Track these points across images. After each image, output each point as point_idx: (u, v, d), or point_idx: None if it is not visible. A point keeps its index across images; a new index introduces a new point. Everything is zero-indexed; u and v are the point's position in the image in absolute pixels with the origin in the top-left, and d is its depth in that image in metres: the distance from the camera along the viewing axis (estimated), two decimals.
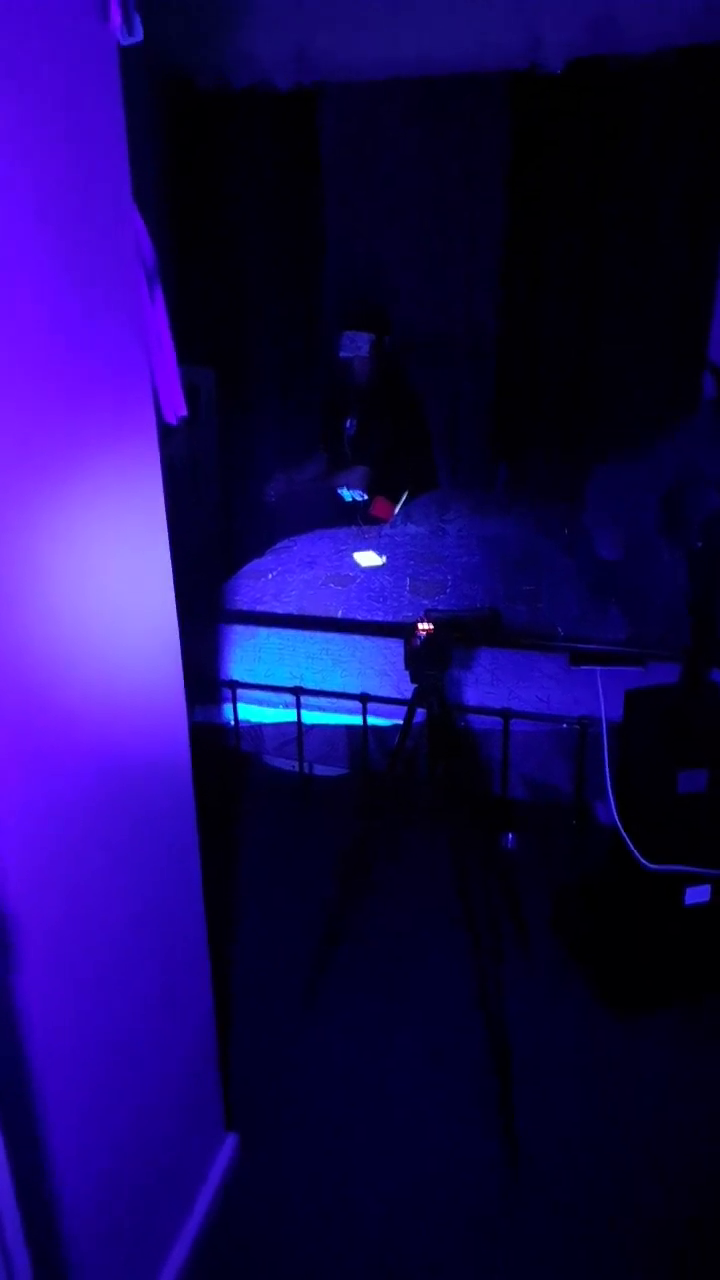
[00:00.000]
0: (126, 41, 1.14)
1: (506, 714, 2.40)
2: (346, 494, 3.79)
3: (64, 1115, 1.22)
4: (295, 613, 2.83)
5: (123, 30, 1.12)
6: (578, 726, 2.36)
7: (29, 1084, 1.15)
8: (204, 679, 2.62)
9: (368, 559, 3.13)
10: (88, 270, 1.13)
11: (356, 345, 3.82)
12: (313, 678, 2.58)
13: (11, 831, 1.07)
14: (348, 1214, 1.80)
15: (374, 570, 3.05)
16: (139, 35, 1.13)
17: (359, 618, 2.77)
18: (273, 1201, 1.83)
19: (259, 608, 2.90)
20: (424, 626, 1.94)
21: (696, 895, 2.13)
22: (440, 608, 2.73)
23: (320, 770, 2.76)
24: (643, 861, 2.04)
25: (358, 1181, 1.86)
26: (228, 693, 2.63)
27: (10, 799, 1.06)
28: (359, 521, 3.67)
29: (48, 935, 1.16)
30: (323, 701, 2.56)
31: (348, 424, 3.96)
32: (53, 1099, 1.19)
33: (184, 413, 1.41)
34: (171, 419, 1.41)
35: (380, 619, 2.75)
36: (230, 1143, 1.87)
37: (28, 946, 1.11)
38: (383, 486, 3.80)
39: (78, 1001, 1.25)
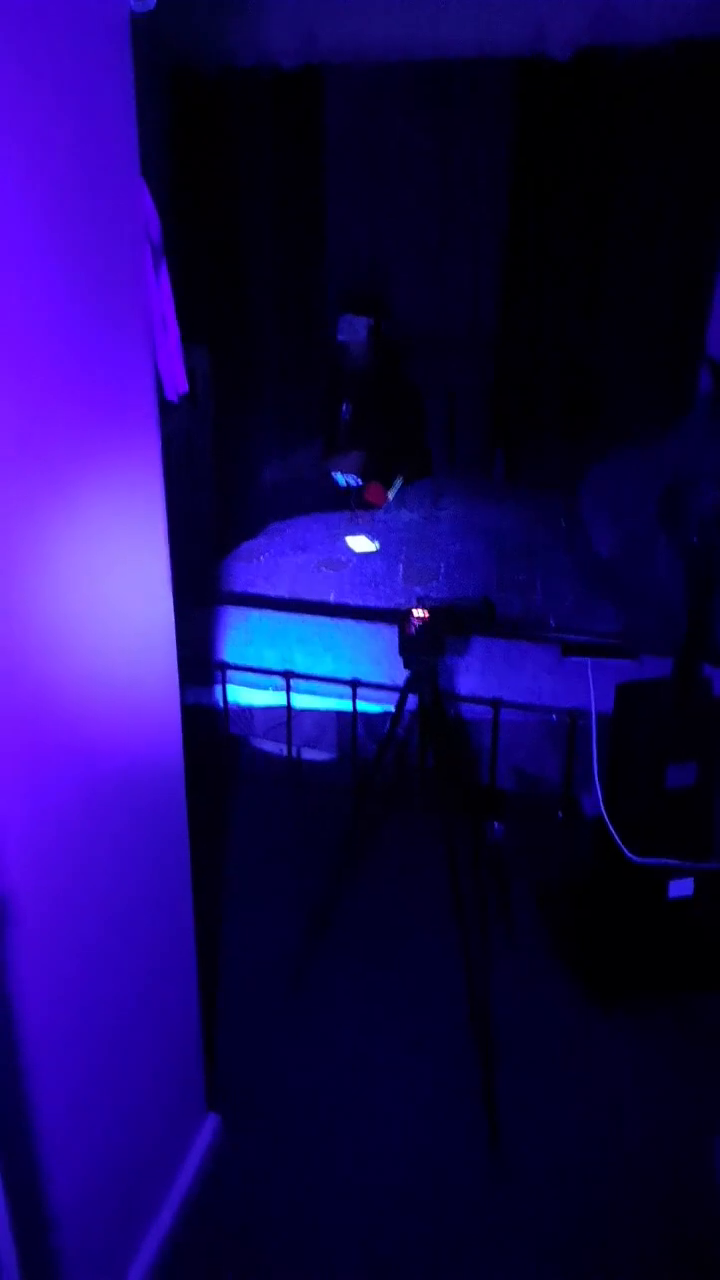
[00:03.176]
0: (139, 9, 1.12)
1: (497, 703, 2.40)
2: (340, 478, 3.78)
3: (50, 1093, 1.22)
4: (287, 596, 2.82)
5: None
6: (568, 718, 2.36)
7: (18, 1062, 1.14)
8: (194, 660, 2.61)
9: (361, 544, 3.12)
10: (93, 244, 1.11)
11: (354, 329, 3.79)
12: (303, 661, 2.57)
13: (5, 816, 1.06)
14: (330, 1195, 1.81)
15: (367, 555, 3.04)
16: (151, 2, 1.11)
17: (351, 602, 2.76)
18: (253, 1181, 1.83)
19: (251, 590, 2.89)
20: (419, 613, 1.93)
21: (680, 889, 2.14)
22: (433, 595, 2.73)
23: (309, 755, 2.75)
24: (628, 854, 2.05)
25: (340, 1163, 1.87)
26: (218, 674, 2.62)
27: (3, 783, 1.05)
28: (352, 506, 3.65)
29: (38, 918, 1.15)
30: (313, 685, 2.55)
31: (343, 408, 3.94)
32: (40, 1077, 1.19)
33: (185, 389, 1.40)
34: (172, 396, 1.39)
35: (373, 604, 2.74)
36: (211, 1122, 1.87)
37: (18, 930, 1.10)
38: (377, 472, 3.78)
39: (64, 983, 1.25)
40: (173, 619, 1.45)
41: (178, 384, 1.37)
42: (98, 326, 1.14)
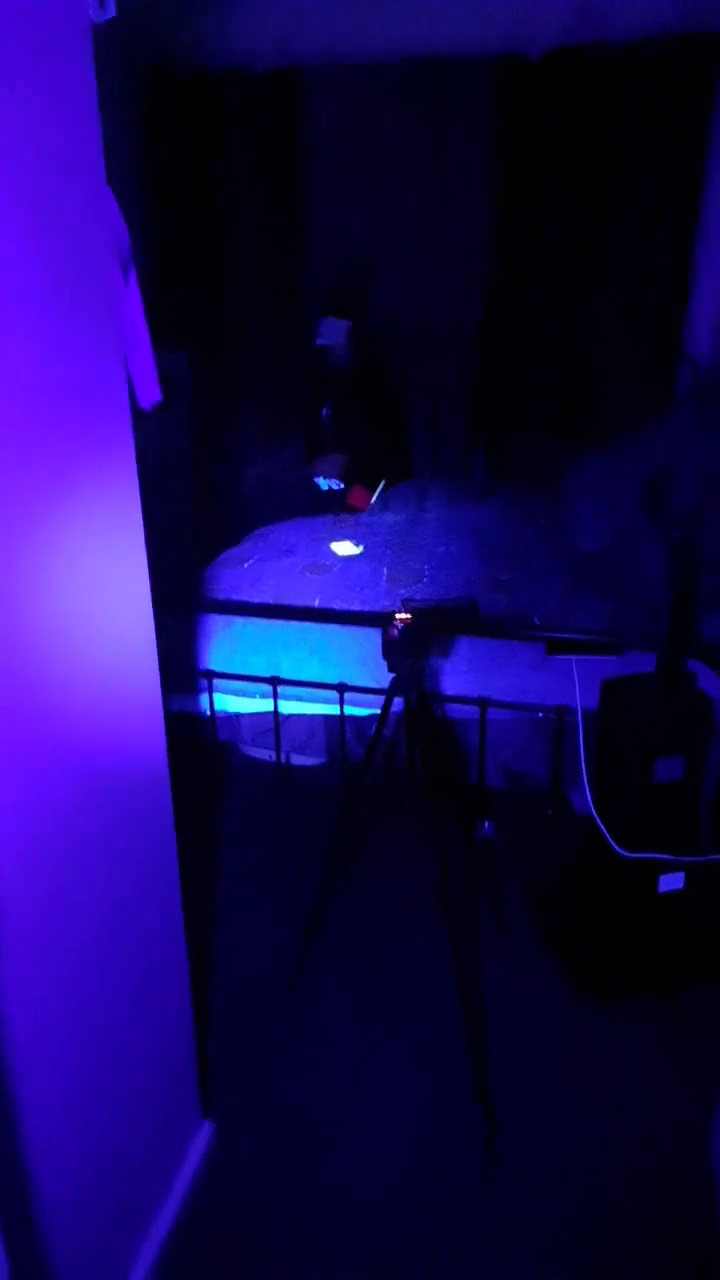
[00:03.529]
0: (99, 19, 1.11)
1: (483, 703, 2.40)
2: (323, 482, 3.77)
3: (41, 1102, 1.22)
4: (272, 601, 2.81)
5: (95, 6, 1.10)
6: (554, 715, 2.37)
7: (7, 1071, 1.14)
8: (180, 668, 2.60)
9: (345, 548, 3.13)
10: (59, 255, 1.10)
11: (334, 332, 3.79)
12: (290, 667, 2.57)
13: None
14: (327, 1200, 1.81)
15: (351, 559, 3.04)
16: (112, 11, 1.11)
17: (336, 607, 2.76)
18: (249, 1187, 1.83)
19: (236, 596, 2.89)
20: (402, 616, 1.93)
21: (670, 883, 2.14)
22: (418, 597, 2.73)
23: (297, 760, 2.75)
24: (618, 849, 2.05)
25: (337, 1168, 1.87)
26: (204, 682, 2.62)
27: None
28: (335, 510, 3.65)
29: (25, 927, 1.14)
30: (300, 691, 2.55)
31: (324, 411, 3.94)
32: (30, 1084, 1.18)
33: (158, 398, 1.40)
34: (145, 405, 1.39)
35: (358, 608, 2.74)
36: (206, 1130, 1.87)
37: (5, 936, 1.10)
38: (359, 475, 3.78)
39: (55, 991, 1.24)
40: (153, 626, 1.44)
41: (151, 392, 1.37)
42: (67, 337, 1.14)
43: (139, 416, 1.37)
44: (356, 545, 3.14)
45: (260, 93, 3.90)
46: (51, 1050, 1.24)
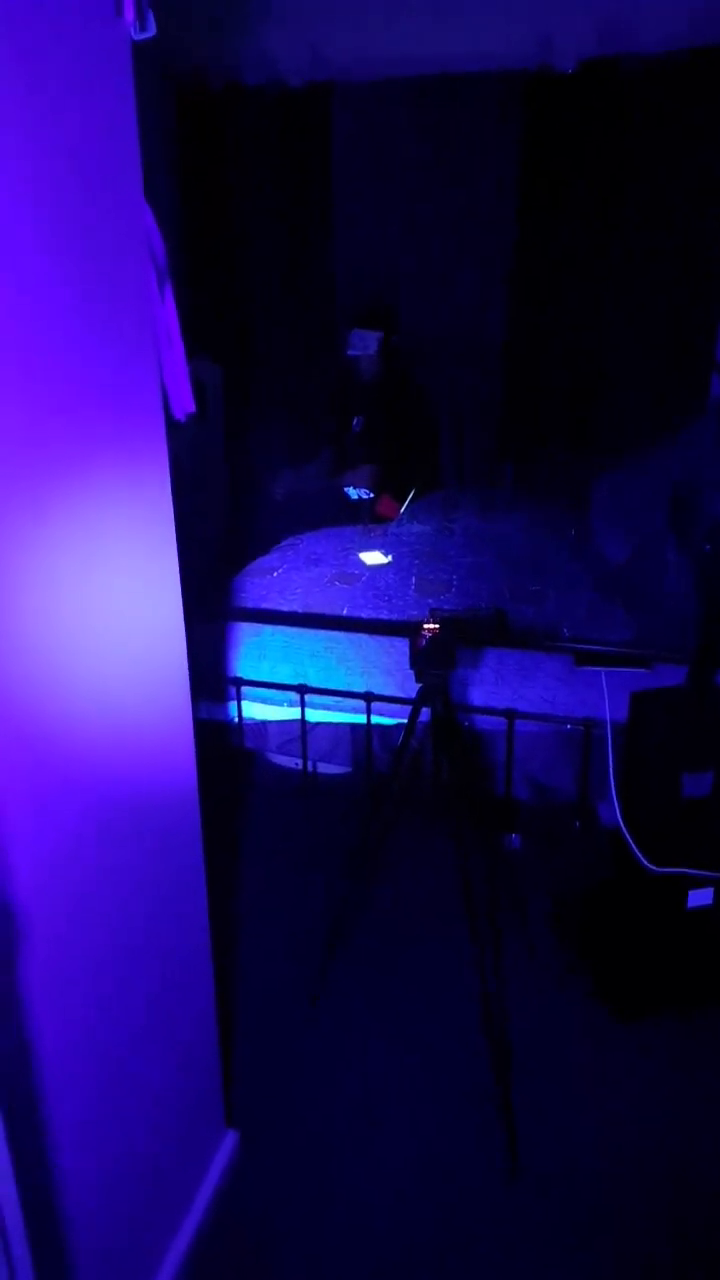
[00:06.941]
0: (139, 37, 1.13)
1: (511, 714, 2.39)
2: (352, 492, 3.79)
3: (66, 1113, 1.22)
4: (300, 610, 2.83)
5: (135, 25, 1.11)
6: (582, 728, 2.36)
7: (34, 1081, 1.15)
8: (209, 676, 2.62)
9: (373, 557, 3.13)
10: (98, 267, 1.12)
11: (365, 343, 3.81)
12: (317, 676, 2.57)
13: (17, 837, 1.06)
14: (349, 1210, 1.80)
15: (379, 569, 3.05)
16: (152, 30, 1.13)
17: (364, 616, 2.76)
18: (273, 1198, 1.83)
19: (264, 605, 2.90)
20: (430, 626, 1.93)
21: (699, 898, 2.12)
22: (446, 607, 2.73)
23: (323, 768, 2.75)
24: (646, 864, 2.04)
25: (359, 1179, 1.86)
26: (232, 690, 2.63)
27: (15, 804, 1.06)
28: (364, 519, 3.67)
29: (54, 937, 1.15)
30: (327, 700, 2.55)
31: (355, 422, 3.96)
32: (54, 1094, 1.19)
33: (192, 409, 1.41)
34: (180, 415, 1.40)
35: (385, 618, 2.74)
36: (230, 1139, 1.87)
37: (34, 947, 1.11)
38: (389, 485, 3.80)
39: (81, 1002, 1.25)
40: (184, 637, 1.45)
41: (185, 403, 1.39)
42: (104, 348, 1.16)
43: (174, 427, 1.39)
44: (385, 555, 3.15)
45: (291, 107, 3.94)
46: (75, 1059, 1.25)
